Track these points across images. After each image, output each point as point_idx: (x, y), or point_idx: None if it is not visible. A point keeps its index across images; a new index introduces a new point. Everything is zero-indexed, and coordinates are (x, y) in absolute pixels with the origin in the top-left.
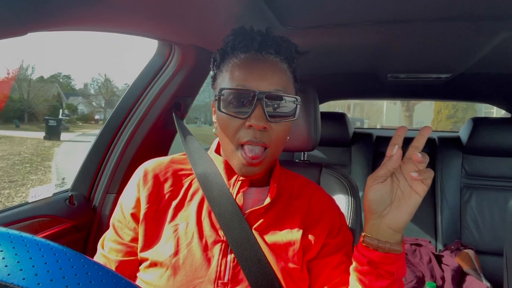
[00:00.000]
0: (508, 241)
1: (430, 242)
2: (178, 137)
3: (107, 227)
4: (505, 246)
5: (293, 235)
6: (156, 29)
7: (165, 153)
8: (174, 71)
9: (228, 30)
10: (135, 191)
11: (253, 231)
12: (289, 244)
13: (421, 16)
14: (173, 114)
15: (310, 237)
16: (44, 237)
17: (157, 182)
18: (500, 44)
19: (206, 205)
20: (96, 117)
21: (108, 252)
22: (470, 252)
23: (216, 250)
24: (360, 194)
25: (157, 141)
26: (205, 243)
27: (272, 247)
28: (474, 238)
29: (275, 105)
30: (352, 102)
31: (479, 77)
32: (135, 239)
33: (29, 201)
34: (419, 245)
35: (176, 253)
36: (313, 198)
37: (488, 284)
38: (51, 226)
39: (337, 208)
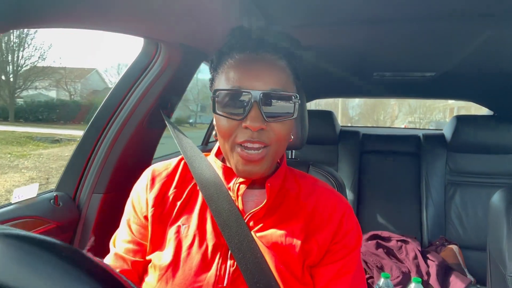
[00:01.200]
0: (490, 236)
1: (415, 238)
2: (163, 137)
3: (93, 228)
4: (488, 241)
5: (294, 239)
6: (142, 27)
7: (151, 152)
8: (160, 70)
9: (214, 28)
10: (144, 194)
11: (254, 234)
12: (289, 248)
13: (404, 16)
14: (161, 113)
15: (313, 242)
16: None
17: (164, 185)
18: (483, 43)
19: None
20: (190, 120)
21: (124, 253)
22: (454, 248)
23: (216, 254)
24: (347, 191)
25: (144, 140)
26: (205, 247)
27: (273, 251)
28: (458, 234)
29: (273, 104)
30: (456, 105)
31: (463, 76)
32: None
33: (13, 202)
34: (405, 241)
35: (176, 255)
36: (320, 199)
37: (472, 279)
38: (35, 227)
39: (345, 210)
